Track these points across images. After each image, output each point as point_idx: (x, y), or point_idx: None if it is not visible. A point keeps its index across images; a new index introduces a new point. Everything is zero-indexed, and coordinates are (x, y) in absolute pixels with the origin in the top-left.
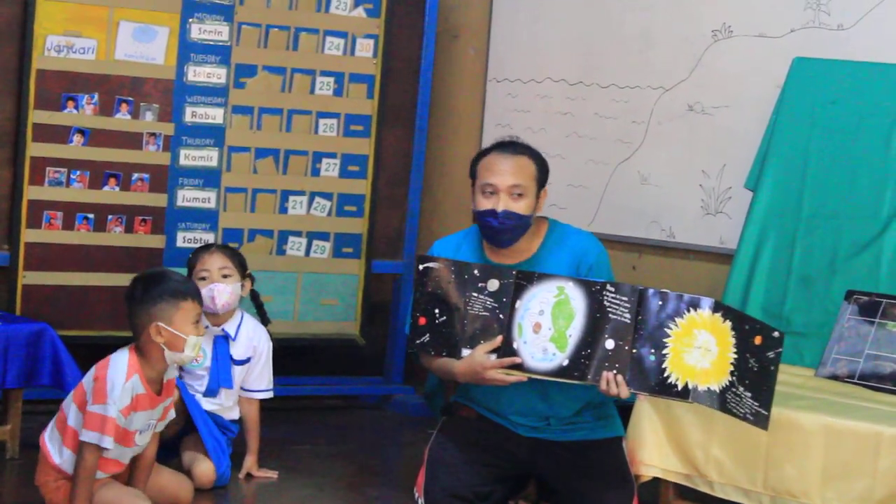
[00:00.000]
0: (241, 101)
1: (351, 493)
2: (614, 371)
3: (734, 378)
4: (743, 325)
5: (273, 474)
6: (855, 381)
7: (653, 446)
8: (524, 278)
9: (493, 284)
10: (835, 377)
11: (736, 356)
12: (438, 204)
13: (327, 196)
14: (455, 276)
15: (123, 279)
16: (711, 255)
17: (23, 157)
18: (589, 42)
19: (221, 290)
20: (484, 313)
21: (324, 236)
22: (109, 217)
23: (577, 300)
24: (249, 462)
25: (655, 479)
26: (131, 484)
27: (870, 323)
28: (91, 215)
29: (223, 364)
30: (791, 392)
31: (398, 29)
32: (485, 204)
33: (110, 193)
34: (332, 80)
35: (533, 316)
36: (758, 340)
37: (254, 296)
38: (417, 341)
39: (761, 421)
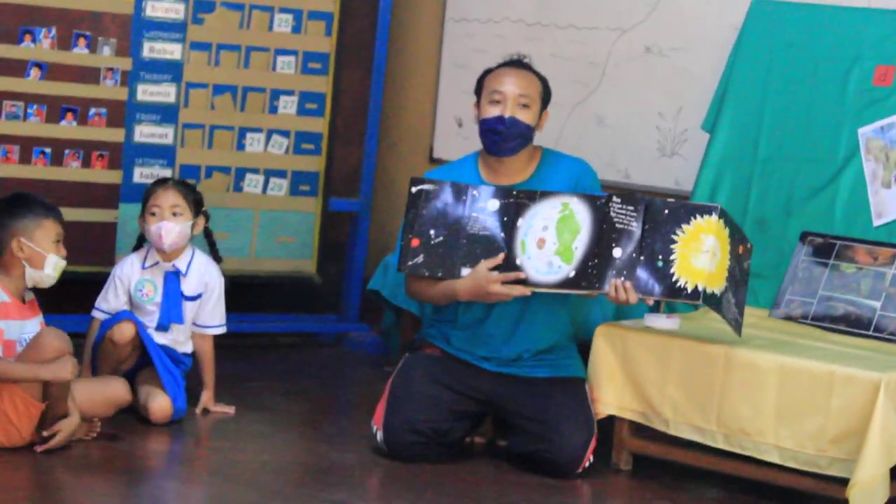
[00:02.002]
0: (200, 37)
1: (307, 428)
2: (622, 278)
3: (728, 283)
4: (735, 234)
5: (230, 409)
6: (809, 321)
7: (609, 384)
8: (526, 196)
9: (494, 204)
10: (789, 318)
11: (729, 263)
12: (395, 143)
13: (285, 133)
14: (453, 197)
15: (80, 214)
16: (667, 196)
17: None
18: None
19: (169, 228)
20: (484, 233)
21: (281, 174)
22: (66, 151)
23: (581, 214)
24: (206, 397)
25: (611, 417)
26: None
27: (824, 265)
28: (48, 150)
29: (173, 299)
30: (745, 332)
31: None
32: (492, 111)
33: (67, 128)
34: (290, 16)
35: (536, 232)
36: (741, 250)
37: (207, 233)
38: (410, 262)
39: (738, 328)
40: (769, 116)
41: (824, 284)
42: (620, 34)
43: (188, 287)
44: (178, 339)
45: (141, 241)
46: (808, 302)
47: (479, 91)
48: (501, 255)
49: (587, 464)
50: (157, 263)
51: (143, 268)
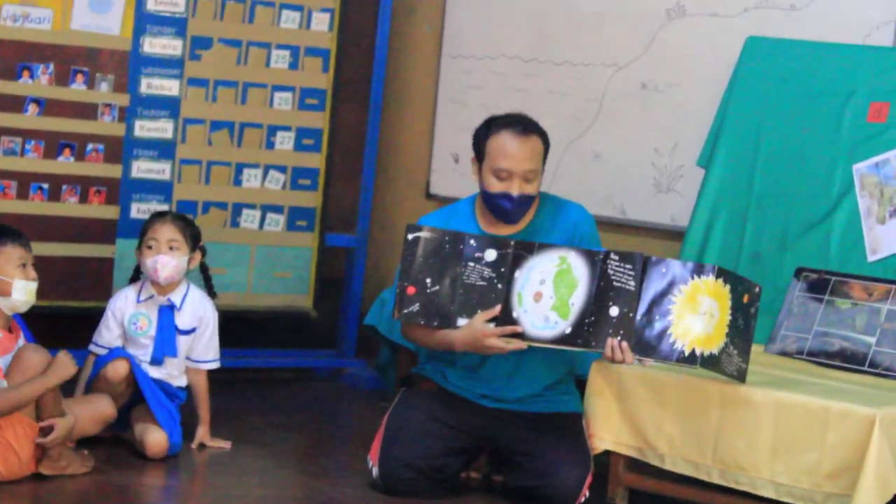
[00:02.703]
0: (197, 74)
1: (304, 463)
2: (619, 338)
3: (728, 339)
4: (737, 287)
5: (226, 444)
6: (804, 357)
7: (605, 419)
8: (523, 248)
9: (491, 254)
10: (784, 353)
11: (730, 318)
12: (392, 179)
13: (281, 169)
14: (449, 246)
15: (77, 249)
16: (663, 232)
17: None
18: (543, 19)
19: (165, 262)
20: (481, 283)
21: (278, 209)
22: (64, 187)
23: (579, 269)
24: (202, 432)
25: (606, 452)
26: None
27: (819, 300)
28: (45, 185)
29: (167, 333)
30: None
31: (354, 3)
32: (498, 187)
33: (65, 164)
34: (287, 53)
35: (534, 285)
36: (745, 299)
37: (203, 268)
38: (406, 310)
39: (742, 375)
40: (764, 152)
41: (819, 320)
42: (616, 70)
43: (182, 321)
44: (173, 374)
45: (137, 273)
46: (804, 337)
47: (478, 150)
48: (498, 307)
49: (583, 499)
50: (151, 297)
51: (138, 301)
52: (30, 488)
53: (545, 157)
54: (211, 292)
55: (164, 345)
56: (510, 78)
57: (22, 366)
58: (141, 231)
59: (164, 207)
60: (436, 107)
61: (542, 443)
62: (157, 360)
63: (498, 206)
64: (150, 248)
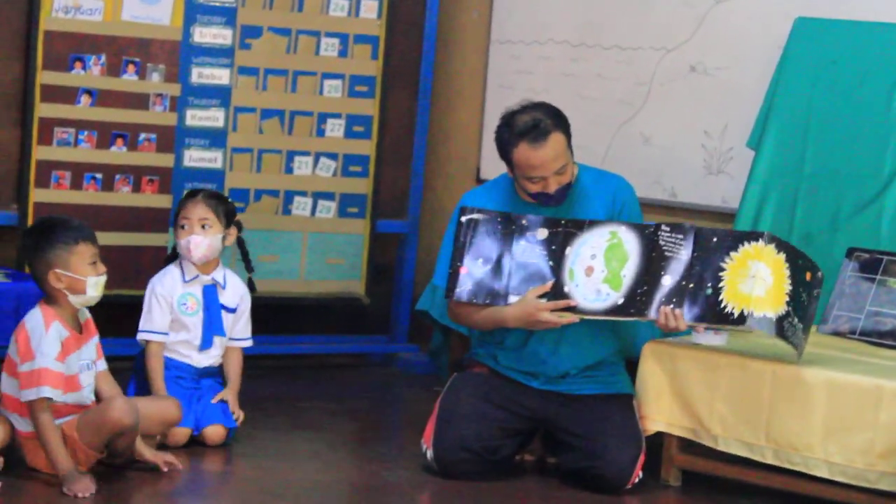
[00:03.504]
0: (247, 62)
1: (358, 448)
2: (671, 305)
3: (790, 308)
4: (796, 260)
5: (241, 415)
6: (856, 336)
7: (657, 401)
8: (574, 226)
9: (543, 233)
10: (836, 333)
11: (791, 288)
12: (442, 164)
13: (332, 156)
14: (501, 226)
15: (131, 239)
16: (714, 214)
17: (31, 118)
18: (591, 3)
19: (198, 242)
20: (533, 261)
21: (329, 196)
22: (117, 177)
23: (630, 243)
24: (230, 396)
25: (659, 433)
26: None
27: (871, 280)
28: (99, 175)
29: (214, 312)
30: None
31: None
32: (535, 188)
33: (118, 154)
34: (336, 41)
35: (585, 260)
36: (808, 276)
37: (240, 244)
38: (458, 290)
39: (800, 351)
40: (814, 133)
41: (871, 300)
42: (665, 53)
43: (226, 299)
44: (218, 355)
45: (175, 254)
46: (856, 317)
47: (504, 157)
48: (549, 283)
49: (636, 480)
50: (197, 276)
51: (185, 281)
52: (96, 472)
53: (569, 143)
54: (248, 266)
55: (213, 324)
56: (559, 63)
57: (102, 413)
58: (175, 211)
59: None
60: (485, 92)
61: (593, 424)
62: (207, 342)
63: (540, 201)
64: (182, 227)
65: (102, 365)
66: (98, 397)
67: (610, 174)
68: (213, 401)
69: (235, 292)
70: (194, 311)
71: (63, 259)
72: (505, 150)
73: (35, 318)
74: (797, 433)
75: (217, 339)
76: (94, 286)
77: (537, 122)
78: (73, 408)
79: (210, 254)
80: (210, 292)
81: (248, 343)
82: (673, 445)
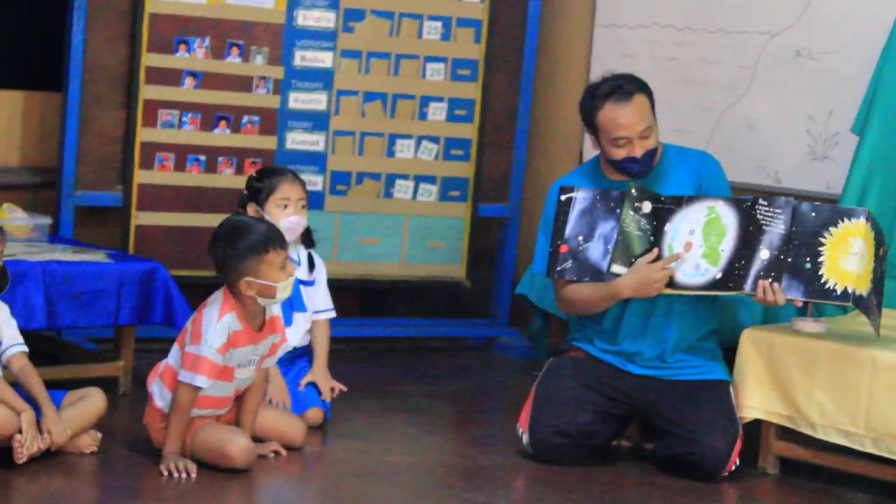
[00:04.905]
0: (350, 46)
1: (454, 431)
2: (770, 279)
3: (872, 285)
4: (878, 237)
5: (342, 387)
6: None
7: (755, 388)
8: (673, 202)
9: (647, 206)
10: None
11: (874, 265)
12: (545, 148)
13: (434, 140)
14: (601, 204)
15: None
16: (818, 199)
17: (136, 100)
18: None
19: (303, 223)
20: (638, 233)
21: (430, 180)
22: (220, 159)
23: (728, 217)
24: (320, 374)
25: (757, 421)
26: (238, 426)
27: None
28: (202, 157)
29: (294, 288)
30: (893, 336)
31: None
32: (621, 153)
33: (221, 136)
34: (439, 24)
35: (683, 236)
36: (881, 251)
37: None
38: (559, 268)
39: (878, 329)
40: None
41: None
42: (770, 38)
43: (302, 273)
44: (303, 330)
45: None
46: None
47: (589, 125)
48: (655, 251)
49: (733, 467)
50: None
51: None
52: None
53: (653, 107)
54: (310, 242)
55: (293, 301)
56: (663, 46)
57: (264, 423)
58: (260, 187)
59: (319, 178)
60: (588, 76)
61: (689, 410)
62: (287, 320)
63: (627, 169)
64: (284, 207)
65: (270, 362)
66: (244, 393)
67: (694, 150)
68: (300, 387)
69: (307, 265)
70: None
71: (254, 269)
72: (590, 116)
73: (214, 303)
74: None
75: (298, 316)
76: (284, 289)
77: (620, 84)
78: (212, 401)
79: (301, 233)
80: None
81: (332, 314)
82: (770, 433)
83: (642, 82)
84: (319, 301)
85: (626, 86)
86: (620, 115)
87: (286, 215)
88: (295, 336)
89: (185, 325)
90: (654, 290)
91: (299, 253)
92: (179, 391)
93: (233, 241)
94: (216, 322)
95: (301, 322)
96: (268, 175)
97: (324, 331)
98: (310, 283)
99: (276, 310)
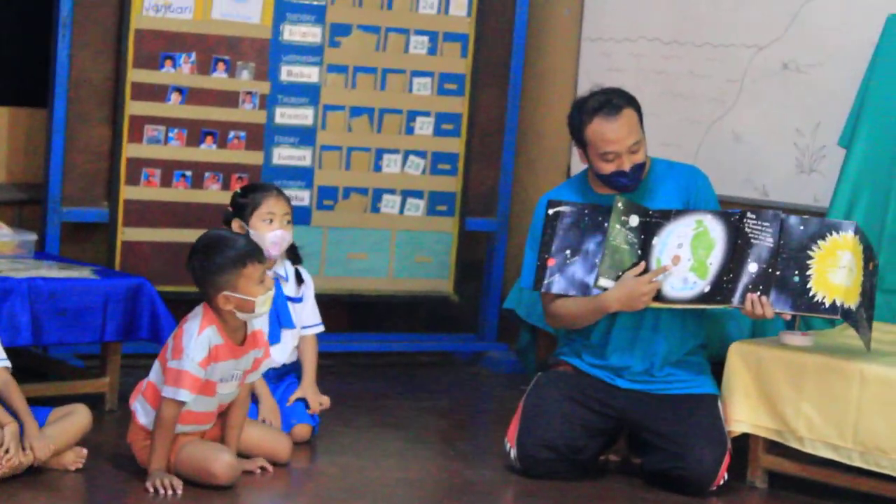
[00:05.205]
0: (336, 60)
1: (442, 446)
2: (758, 293)
3: (861, 299)
4: (867, 251)
5: (326, 400)
6: None
7: (743, 402)
8: (661, 216)
9: (635, 220)
10: None
11: (863, 278)
12: (532, 163)
13: (421, 154)
14: (588, 218)
15: None
16: (805, 212)
17: (122, 116)
18: (683, 0)
19: (288, 238)
20: (625, 246)
21: (418, 194)
22: (206, 174)
23: (716, 231)
24: (309, 389)
25: (745, 435)
26: (223, 443)
27: None
28: (188, 173)
29: (281, 306)
30: (882, 349)
31: None
32: (610, 168)
33: (207, 151)
34: (426, 38)
35: (671, 249)
36: (871, 266)
37: None
38: (546, 281)
39: (868, 343)
40: None
41: None
42: (757, 51)
43: (289, 289)
44: (291, 347)
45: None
46: None
47: (577, 139)
48: (642, 264)
49: (721, 481)
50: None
51: None
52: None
53: (641, 121)
54: (297, 258)
55: (281, 317)
56: (650, 60)
57: (249, 439)
58: (245, 202)
59: (306, 194)
60: (576, 90)
61: (677, 425)
62: (275, 337)
63: (615, 183)
64: (269, 222)
65: (253, 377)
66: (227, 407)
67: (682, 164)
68: (289, 403)
69: (293, 282)
70: None
71: (232, 283)
72: (578, 130)
73: (194, 318)
74: (885, 436)
75: (287, 333)
76: (263, 304)
77: (609, 98)
78: (195, 417)
79: (286, 249)
80: (275, 287)
81: (320, 329)
82: (759, 447)
83: (630, 96)
84: (307, 316)
85: (615, 100)
86: (609, 130)
87: (271, 230)
88: (283, 353)
89: (167, 342)
90: (641, 303)
91: (286, 269)
92: (163, 407)
93: (210, 255)
94: (196, 336)
95: (289, 339)
96: (252, 191)
97: (311, 346)
98: (298, 300)
99: (258, 324)
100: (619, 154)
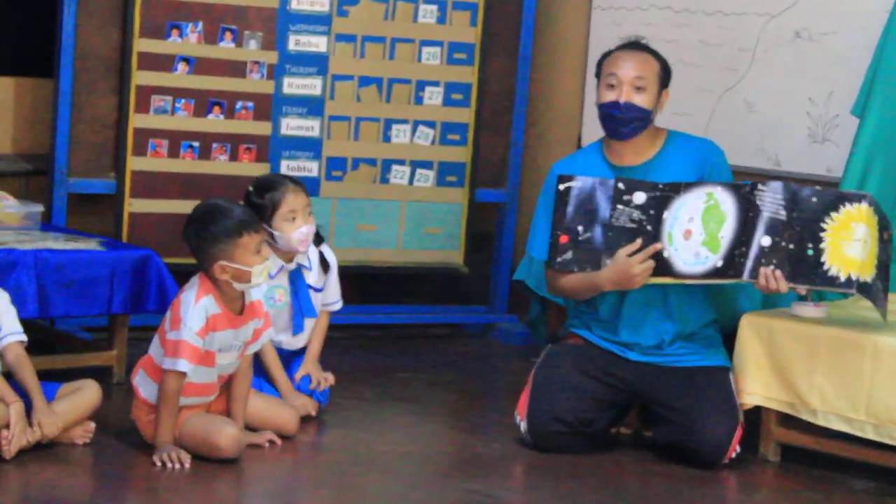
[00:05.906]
0: (345, 30)
1: (452, 419)
2: (772, 267)
3: (877, 271)
4: (882, 221)
5: (330, 377)
6: None
7: (756, 374)
8: (671, 189)
9: (640, 197)
10: None
11: (878, 249)
12: (542, 133)
13: (430, 124)
14: (599, 192)
15: None
16: (819, 183)
17: (128, 86)
18: None
19: (312, 230)
20: (631, 225)
21: (427, 165)
22: (214, 145)
23: (726, 203)
24: (311, 365)
25: (757, 408)
26: (229, 416)
27: None
28: (196, 143)
29: (303, 296)
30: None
31: None
32: (608, 96)
33: (215, 122)
34: (434, 7)
35: (683, 223)
36: (885, 236)
37: None
38: (559, 259)
39: (884, 314)
40: None
41: None
42: (769, 19)
43: (312, 278)
44: (308, 333)
45: None
46: None
47: (598, 71)
48: (639, 241)
49: (733, 454)
50: (282, 267)
51: (272, 276)
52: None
53: (664, 80)
54: (320, 239)
55: (304, 307)
56: (661, 29)
57: (256, 412)
58: (263, 203)
59: (314, 164)
60: (586, 59)
61: (689, 397)
62: (298, 327)
63: (607, 116)
64: (293, 220)
65: (253, 348)
66: (230, 379)
67: (698, 138)
68: (296, 380)
69: (319, 271)
70: (283, 303)
71: (228, 252)
72: (600, 63)
73: (191, 288)
74: None
75: (308, 322)
76: (259, 274)
77: (638, 41)
78: (196, 388)
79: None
80: (297, 277)
81: (337, 306)
82: (771, 419)
83: (664, 58)
84: (329, 294)
85: (643, 45)
86: (621, 57)
87: (296, 228)
88: (303, 338)
89: (165, 315)
90: (634, 283)
91: (309, 257)
92: (165, 379)
93: (206, 224)
94: (193, 305)
95: (310, 326)
96: (267, 188)
97: (323, 322)
98: (319, 290)
99: (255, 294)
100: (620, 81)
